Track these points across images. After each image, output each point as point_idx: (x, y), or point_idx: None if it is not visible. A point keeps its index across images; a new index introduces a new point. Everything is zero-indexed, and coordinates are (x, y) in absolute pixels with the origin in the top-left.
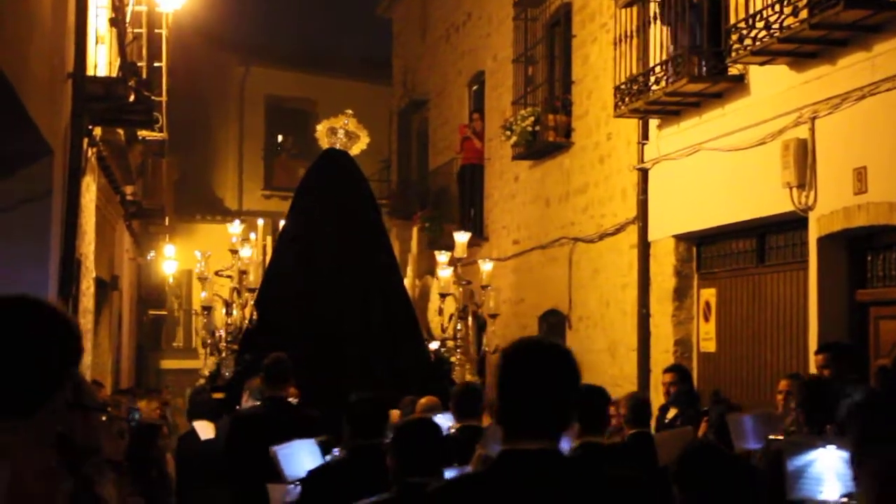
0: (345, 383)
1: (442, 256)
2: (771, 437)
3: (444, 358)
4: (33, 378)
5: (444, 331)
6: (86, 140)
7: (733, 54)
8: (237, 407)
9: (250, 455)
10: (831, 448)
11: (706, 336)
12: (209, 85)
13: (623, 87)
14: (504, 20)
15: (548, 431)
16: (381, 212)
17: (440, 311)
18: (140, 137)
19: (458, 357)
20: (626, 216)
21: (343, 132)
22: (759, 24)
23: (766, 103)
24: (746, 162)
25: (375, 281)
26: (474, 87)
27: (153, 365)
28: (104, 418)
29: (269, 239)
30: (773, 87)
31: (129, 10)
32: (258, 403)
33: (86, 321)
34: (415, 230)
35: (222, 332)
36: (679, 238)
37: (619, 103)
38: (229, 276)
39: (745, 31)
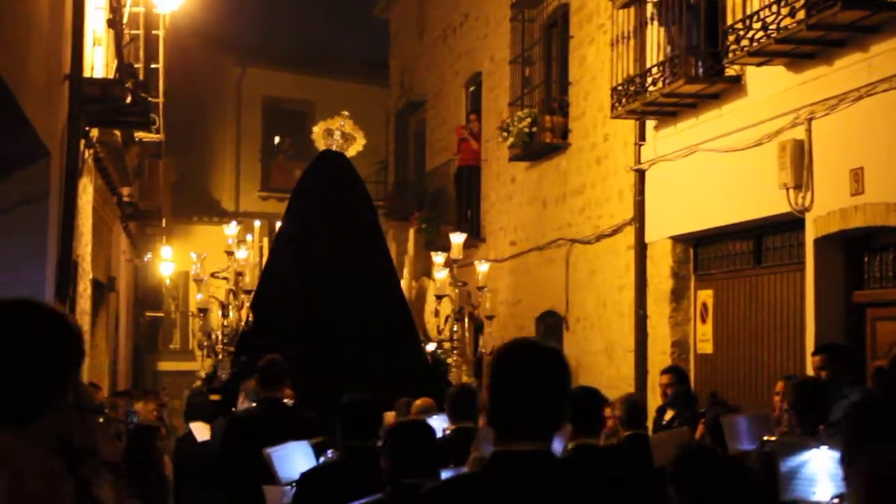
0: (341, 385)
1: (438, 258)
2: (765, 438)
3: (441, 359)
4: (37, 382)
5: (440, 332)
6: (83, 142)
7: (730, 55)
8: (233, 409)
9: (246, 457)
10: (824, 449)
11: (703, 337)
12: (206, 86)
13: (620, 88)
14: (501, 21)
15: (540, 432)
16: (377, 214)
17: (436, 313)
18: (137, 139)
19: (455, 358)
20: (623, 217)
21: (339, 133)
22: (756, 25)
23: (763, 104)
24: (743, 163)
25: (372, 282)
26: (471, 89)
27: (150, 367)
28: (101, 420)
29: (265, 240)
30: (770, 87)
31: (126, 11)
32: (254, 405)
33: (83, 323)
34: (411, 231)
35: (219, 334)
36: (676, 239)
37: (616, 104)
38: (225, 278)
39: (742, 32)
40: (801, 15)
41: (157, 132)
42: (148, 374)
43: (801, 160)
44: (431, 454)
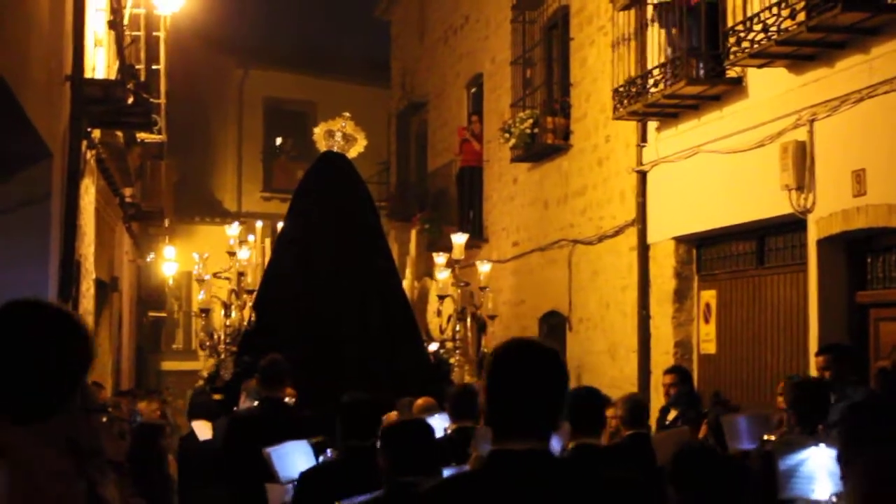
0: (343, 385)
1: (440, 258)
2: (765, 437)
3: (444, 359)
4: (49, 383)
5: (442, 332)
6: (85, 142)
7: (731, 57)
8: (235, 408)
9: (247, 455)
10: (822, 447)
11: (706, 338)
12: (208, 87)
13: (621, 89)
14: (502, 23)
15: (537, 432)
16: (379, 215)
17: (439, 313)
18: (139, 140)
19: (458, 358)
20: (624, 218)
21: (340, 135)
22: (758, 27)
23: (765, 106)
24: (745, 164)
25: (374, 283)
26: (473, 90)
27: (153, 366)
28: (105, 419)
29: (267, 241)
30: (771, 89)
31: (127, 12)
32: (255, 404)
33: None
34: (413, 232)
35: (221, 334)
36: (679, 240)
37: (618, 106)
38: (227, 278)
39: (743, 34)
40: (801, 17)
41: (159, 133)
42: (151, 373)
43: (802, 161)
44: (428, 453)
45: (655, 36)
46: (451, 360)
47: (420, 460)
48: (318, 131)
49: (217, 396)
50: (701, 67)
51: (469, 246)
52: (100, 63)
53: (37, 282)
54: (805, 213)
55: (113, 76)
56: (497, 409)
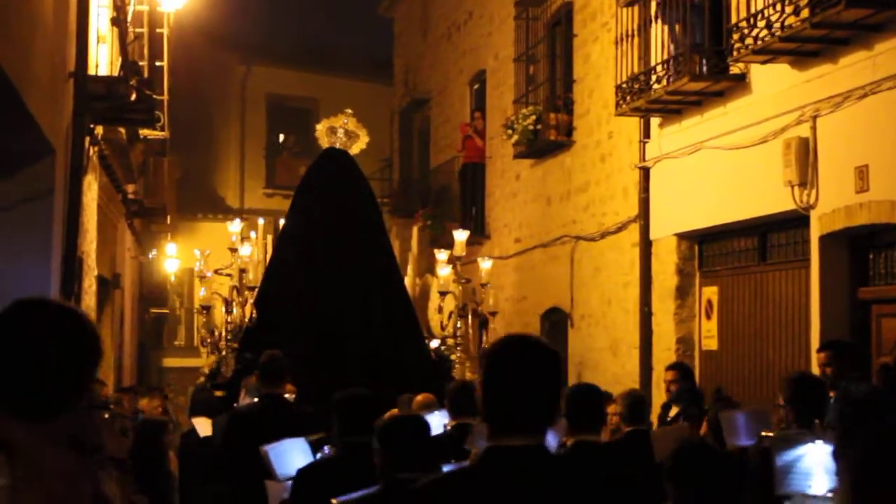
0: (345, 382)
1: (441, 255)
2: (763, 433)
3: (445, 356)
4: (58, 381)
5: (443, 329)
6: (87, 139)
7: (735, 53)
8: (235, 404)
9: (247, 452)
10: (819, 443)
11: (708, 334)
12: (211, 84)
13: (624, 85)
14: (505, 19)
15: (533, 427)
16: (381, 212)
17: (440, 310)
18: (141, 136)
19: (459, 355)
20: (627, 215)
21: (343, 131)
22: (761, 23)
23: (768, 102)
24: (748, 160)
25: (375, 280)
26: (476, 86)
27: (155, 363)
28: (106, 416)
29: (269, 238)
30: (774, 85)
31: (130, 9)
32: (255, 401)
33: None
34: (415, 229)
35: (222, 331)
36: (681, 236)
37: (621, 102)
38: (229, 275)
39: (746, 30)
40: (805, 13)
41: (162, 130)
42: (153, 370)
43: (805, 158)
44: (424, 449)
45: (659, 32)
46: (453, 357)
47: (416, 456)
48: (321, 128)
49: (218, 393)
50: (704, 64)
51: (471, 242)
52: (103, 60)
53: (39, 278)
54: (808, 210)
55: (116, 73)
56: (493, 405)
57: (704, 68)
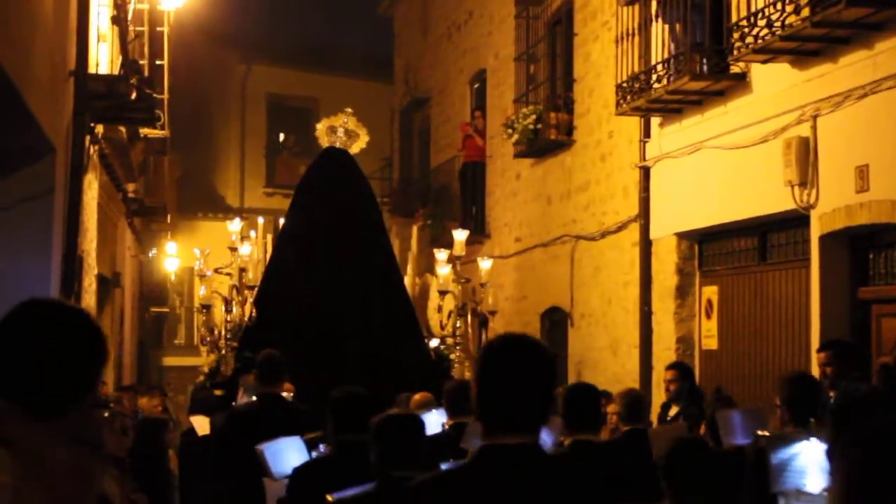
0: (344, 381)
1: (441, 254)
2: (759, 432)
3: (444, 355)
4: (67, 380)
5: (443, 328)
6: (88, 138)
7: (735, 52)
8: (233, 403)
9: (245, 451)
10: (814, 441)
11: (708, 333)
12: (211, 83)
13: (625, 84)
14: (505, 18)
15: (526, 426)
16: (381, 211)
17: (439, 309)
18: (142, 135)
19: (458, 354)
20: (627, 214)
21: (343, 131)
22: (761, 23)
23: (768, 101)
24: (748, 160)
25: (375, 279)
26: (476, 85)
27: (155, 362)
28: (106, 414)
29: (269, 237)
30: (775, 85)
31: (130, 8)
32: (253, 399)
33: None
34: (415, 228)
35: (222, 330)
36: (681, 236)
37: (621, 101)
38: (228, 274)
39: (746, 30)
40: (805, 12)
41: (162, 128)
42: (153, 369)
43: (806, 157)
44: (418, 447)
45: (659, 31)
46: (452, 357)
47: (410, 454)
48: (321, 127)
49: (218, 392)
50: (704, 63)
51: (471, 242)
52: (103, 58)
53: (39, 277)
54: (808, 209)
55: (116, 72)
56: (486, 404)
57: (705, 67)
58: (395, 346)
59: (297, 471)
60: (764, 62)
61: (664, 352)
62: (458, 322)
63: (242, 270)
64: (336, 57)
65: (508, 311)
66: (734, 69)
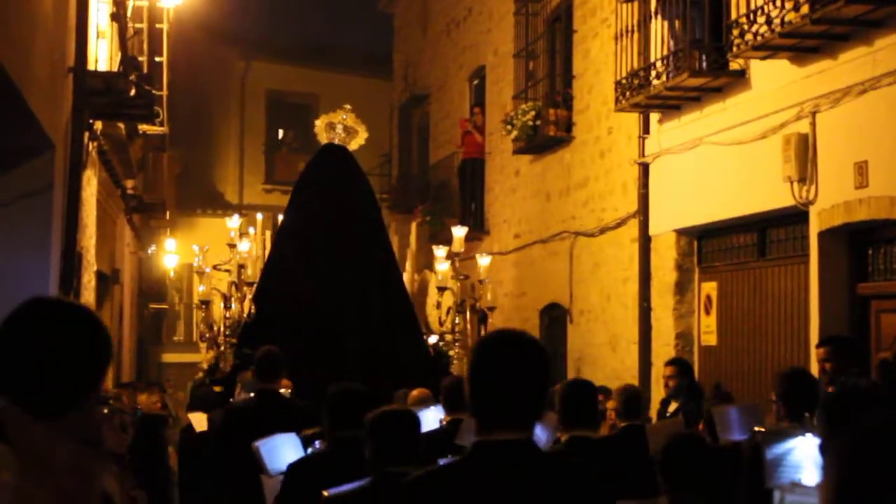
0: (344, 377)
1: (440, 251)
2: (756, 428)
3: (443, 352)
4: (72, 380)
5: (441, 325)
6: (87, 134)
7: (734, 49)
8: (231, 400)
9: (243, 447)
10: (809, 436)
11: (707, 329)
12: (210, 79)
13: (624, 81)
14: (505, 15)
15: (520, 422)
16: (380, 207)
17: (438, 305)
18: (141, 132)
19: (457, 351)
20: (626, 210)
21: (342, 127)
22: (761, 19)
23: (768, 98)
24: (747, 156)
25: (374, 275)
26: (475, 82)
27: (154, 358)
28: (106, 411)
29: (268, 233)
30: (774, 81)
31: (129, 4)
32: (251, 396)
33: None
34: (413, 225)
35: (221, 327)
36: (680, 232)
37: (620, 98)
38: (228, 271)
39: (746, 26)
40: (805, 9)
41: (161, 125)
42: (152, 365)
43: (805, 153)
44: (414, 442)
45: (658, 28)
46: (451, 353)
47: (405, 450)
48: (320, 124)
49: (217, 388)
50: (704, 59)
51: (470, 238)
52: (102, 55)
53: (38, 273)
54: (807, 205)
55: (115, 68)
56: (480, 400)
57: (704, 64)
58: (393, 342)
59: (292, 467)
60: (763, 59)
61: (663, 348)
62: (457, 318)
63: (241, 267)
64: (335, 54)
65: (507, 308)
66: (733, 66)
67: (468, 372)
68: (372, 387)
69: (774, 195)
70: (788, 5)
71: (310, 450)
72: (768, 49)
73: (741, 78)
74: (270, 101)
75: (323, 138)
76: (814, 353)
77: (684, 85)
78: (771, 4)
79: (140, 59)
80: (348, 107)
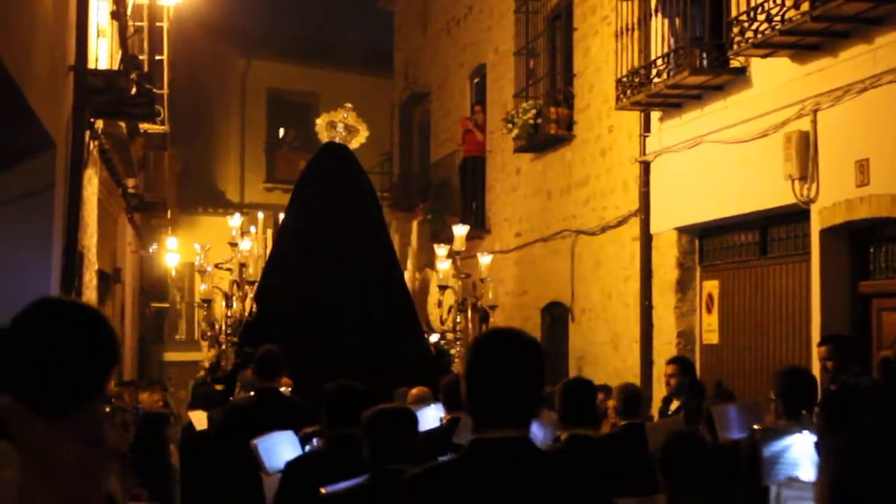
0: (345, 376)
1: (441, 249)
2: (755, 427)
3: (444, 350)
4: (77, 380)
5: (443, 323)
6: (87, 133)
7: (735, 47)
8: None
9: (243, 446)
10: (806, 433)
11: (709, 328)
12: (211, 78)
13: (625, 79)
14: (505, 13)
15: (516, 420)
16: (381, 206)
17: (439, 304)
18: (142, 130)
19: (458, 349)
20: (627, 209)
21: (342, 126)
22: (761, 17)
23: (768, 96)
24: (748, 154)
25: (375, 274)
26: (476, 80)
27: (156, 357)
28: (107, 409)
29: (269, 232)
30: (774, 79)
31: (130, 2)
32: (251, 395)
33: None
34: (415, 223)
35: (222, 325)
36: (681, 230)
37: (621, 96)
38: (229, 269)
39: (746, 24)
40: (805, 6)
41: (162, 123)
42: (154, 364)
43: (806, 151)
44: (412, 440)
45: (659, 26)
46: (452, 352)
47: (402, 447)
48: (320, 122)
49: (219, 387)
50: (704, 57)
51: (471, 236)
52: (103, 53)
53: (39, 272)
54: (808, 203)
55: (116, 67)
56: (476, 398)
57: (705, 62)
58: (395, 340)
59: (290, 465)
60: (764, 56)
61: (665, 346)
62: (459, 317)
63: (243, 265)
64: (336, 52)
65: (509, 307)
66: (734, 63)
67: (464, 370)
68: (373, 385)
69: (775, 193)
70: (789, 3)
71: (307, 448)
72: (769, 47)
73: (742, 76)
74: (271, 99)
75: (324, 137)
76: (815, 352)
77: (685, 83)
78: (771, 2)
79: (141, 57)
80: (349, 105)
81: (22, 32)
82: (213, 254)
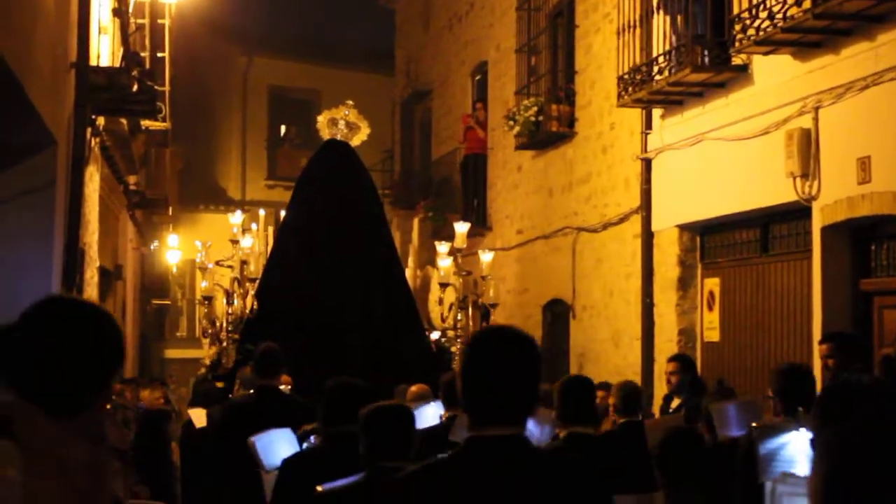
0: (346, 373)
1: (442, 247)
2: (753, 424)
3: (445, 348)
4: (84, 379)
5: (444, 321)
6: (89, 130)
7: (737, 44)
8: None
9: (243, 443)
10: (803, 430)
11: (710, 325)
12: (213, 75)
13: (626, 76)
14: (507, 10)
15: (511, 418)
16: (382, 204)
17: (440, 301)
18: (143, 127)
19: (459, 347)
20: (629, 206)
21: (344, 123)
22: (763, 14)
23: (770, 93)
24: (750, 152)
25: (376, 271)
26: (477, 77)
27: (157, 354)
28: (108, 407)
29: (270, 229)
30: (776, 76)
31: (131, 0)
32: (251, 392)
33: None
34: (416, 221)
35: (223, 322)
36: (683, 228)
37: (623, 93)
38: (230, 266)
39: (748, 21)
40: (807, 4)
41: (164, 121)
42: (155, 361)
43: (807, 149)
44: (409, 437)
45: (660, 23)
46: (453, 349)
47: (399, 444)
48: (322, 119)
49: (219, 384)
50: (706, 55)
51: (473, 234)
52: (104, 50)
53: (40, 270)
54: (810, 201)
55: (117, 64)
56: (472, 396)
57: (706, 59)
58: (396, 338)
59: (287, 462)
60: (765, 54)
61: (666, 344)
62: (460, 315)
63: (244, 263)
64: (337, 49)
65: (510, 304)
66: (736, 61)
67: (460, 368)
68: (374, 383)
69: (777, 191)
70: (790, 0)
71: (305, 445)
72: (770, 44)
73: (743, 73)
74: (272, 96)
75: (325, 134)
76: (816, 350)
77: (687, 80)
78: None
79: (142, 54)
80: (350, 102)
81: (24, 29)
82: (215, 251)
